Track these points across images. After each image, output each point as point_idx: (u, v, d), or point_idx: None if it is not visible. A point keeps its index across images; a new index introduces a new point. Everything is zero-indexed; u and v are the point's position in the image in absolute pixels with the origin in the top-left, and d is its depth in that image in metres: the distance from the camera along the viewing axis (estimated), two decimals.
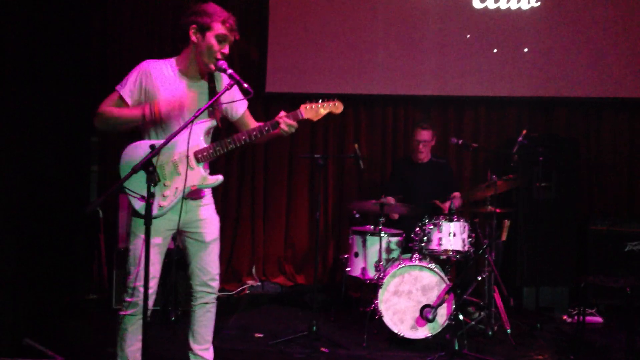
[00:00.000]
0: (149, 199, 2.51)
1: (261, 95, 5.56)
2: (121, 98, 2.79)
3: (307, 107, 2.90)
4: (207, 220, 2.94)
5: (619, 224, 5.07)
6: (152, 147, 2.50)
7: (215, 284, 2.99)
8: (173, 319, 4.34)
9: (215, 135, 2.98)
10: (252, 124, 3.04)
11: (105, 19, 5.58)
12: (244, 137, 2.81)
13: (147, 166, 2.47)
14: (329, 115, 2.96)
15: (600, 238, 5.05)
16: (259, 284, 5.67)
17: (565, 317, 4.78)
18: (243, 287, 5.58)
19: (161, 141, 2.60)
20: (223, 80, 2.94)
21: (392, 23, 5.55)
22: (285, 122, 2.82)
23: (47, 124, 4.71)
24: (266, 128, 2.83)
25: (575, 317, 4.47)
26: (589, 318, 4.58)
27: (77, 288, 5.14)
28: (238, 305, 5.12)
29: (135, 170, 2.42)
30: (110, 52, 5.57)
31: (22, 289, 4.27)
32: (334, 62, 5.58)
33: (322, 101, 2.91)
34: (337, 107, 2.95)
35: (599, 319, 4.73)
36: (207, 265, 2.95)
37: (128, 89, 2.79)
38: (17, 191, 4.30)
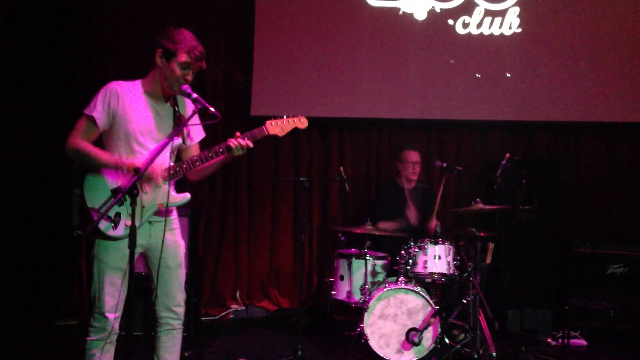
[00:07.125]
0: (134, 222, 2.50)
1: (247, 119, 5.56)
2: (92, 121, 2.73)
3: (272, 123, 2.93)
4: (172, 245, 2.89)
5: (601, 246, 5.11)
6: (136, 170, 2.53)
7: (180, 310, 2.94)
8: None
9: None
10: None
11: (89, 35, 5.57)
12: (210, 154, 2.81)
13: (132, 189, 2.48)
14: (297, 130, 2.99)
15: (583, 260, 5.07)
16: (243, 308, 5.62)
17: (549, 340, 4.78)
18: (227, 311, 5.53)
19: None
20: (186, 103, 2.91)
21: (377, 48, 5.62)
22: (234, 142, 2.79)
23: (28, 146, 4.66)
24: (221, 150, 2.82)
25: (560, 340, 4.48)
26: (573, 341, 4.58)
27: (56, 313, 5.06)
28: (222, 329, 5.05)
29: (123, 193, 2.45)
30: (95, 71, 5.52)
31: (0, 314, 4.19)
32: (318, 86, 5.62)
33: (286, 117, 2.95)
34: (302, 122, 3.00)
35: (583, 342, 4.73)
36: (172, 291, 2.89)
37: (98, 112, 2.73)
38: None
